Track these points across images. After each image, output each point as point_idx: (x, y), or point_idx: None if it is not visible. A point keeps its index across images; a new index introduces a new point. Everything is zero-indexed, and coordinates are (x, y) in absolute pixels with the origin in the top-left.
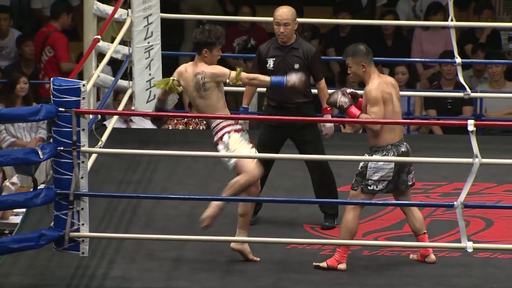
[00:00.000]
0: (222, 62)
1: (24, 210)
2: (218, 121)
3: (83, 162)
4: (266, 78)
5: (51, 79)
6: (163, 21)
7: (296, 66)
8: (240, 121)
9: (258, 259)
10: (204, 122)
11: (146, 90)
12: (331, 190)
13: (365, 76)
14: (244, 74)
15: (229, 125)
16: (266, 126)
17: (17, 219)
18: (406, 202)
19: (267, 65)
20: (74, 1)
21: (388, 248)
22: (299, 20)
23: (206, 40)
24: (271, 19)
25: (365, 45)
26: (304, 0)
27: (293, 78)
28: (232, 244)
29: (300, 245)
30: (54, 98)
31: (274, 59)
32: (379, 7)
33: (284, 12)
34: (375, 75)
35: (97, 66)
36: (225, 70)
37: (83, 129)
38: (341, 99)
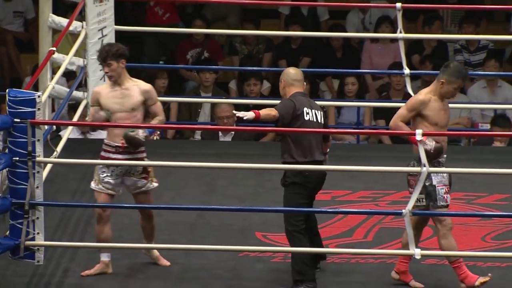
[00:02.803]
0: (176, 73)
1: None
2: None
3: (38, 172)
4: None
5: (7, 90)
6: (125, 33)
7: None
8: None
9: (169, 263)
10: (158, 132)
11: None
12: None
13: None
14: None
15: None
16: None
17: None
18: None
19: None
20: (29, 13)
21: (338, 255)
22: (256, 32)
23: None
24: (224, 31)
25: None
26: (261, 13)
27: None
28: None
29: (252, 252)
30: (9, 109)
31: None
32: (324, 22)
33: None
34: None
35: (52, 77)
36: None
37: (38, 140)
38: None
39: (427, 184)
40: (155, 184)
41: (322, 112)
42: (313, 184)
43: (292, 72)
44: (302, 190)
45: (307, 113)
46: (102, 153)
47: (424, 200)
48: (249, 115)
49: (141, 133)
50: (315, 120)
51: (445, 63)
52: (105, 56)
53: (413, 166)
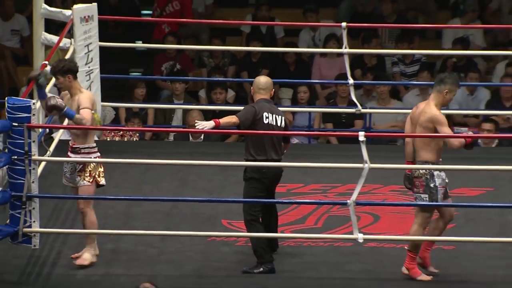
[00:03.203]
0: (153, 83)
1: None
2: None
3: (33, 169)
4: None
5: (6, 98)
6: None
7: None
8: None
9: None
10: (137, 134)
11: None
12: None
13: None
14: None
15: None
16: None
17: None
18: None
19: None
20: (25, 31)
21: (292, 240)
22: (222, 48)
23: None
24: (195, 47)
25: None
26: (226, 31)
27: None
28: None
29: (219, 237)
30: (8, 115)
31: None
32: (280, 38)
33: None
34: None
35: None
36: None
37: (34, 141)
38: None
39: (431, 185)
40: (86, 182)
41: (282, 117)
42: (269, 180)
43: (259, 82)
44: (260, 185)
45: (267, 117)
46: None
47: (427, 199)
48: (208, 125)
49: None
50: (274, 123)
51: (438, 76)
52: (53, 71)
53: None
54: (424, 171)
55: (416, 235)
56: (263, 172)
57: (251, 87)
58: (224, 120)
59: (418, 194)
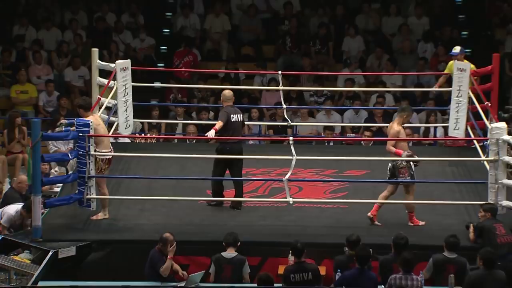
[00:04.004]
0: (164, 107)
1: (61, 185)
2: None
3: (91, 161)
4: None
5: (75, 119)
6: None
7: None
8: None
9: None
10: (155, 139)
11: (124, 123)
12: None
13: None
14: None
15: None
16: None
17: (58, 189)
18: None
19: None
20: (87, 76)
21: (250, 202)
22: (205, 86)
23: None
24: (189, 86)
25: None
26: (208, 76)
27: None
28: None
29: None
30: (76, 128)
31: None
32: (242, 80)
33: None
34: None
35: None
36: None
37: (92, 145)
38: None
39: (411, 172)
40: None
41: (241, 115)
42: (228, 153)
43: (226, 94)
44: (223, 153)
45: (233, 117)
46: None
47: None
48: (211, 133)
49: None
50: (237, 120)
51: (400, 106)
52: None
53: (400, 163)
54: (405, 163)
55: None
56: (227, 149)
57: (221, 98)
58: (217, 126)
59: (403, 178)
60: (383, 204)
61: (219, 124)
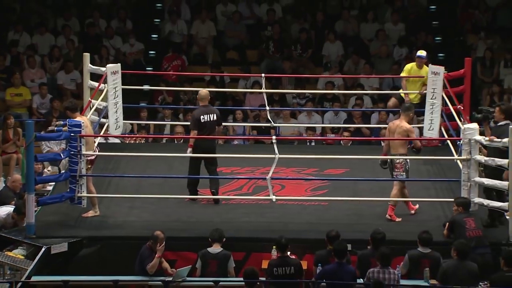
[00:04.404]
0: (152, 109)
1: (54, 183)
2: None
3: (82, 160)
4: None
5: (67, 120)
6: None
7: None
8: None
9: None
10: (144, 139)
11: (114, 124)
12: None
13: None
14: None
15: None
16: None
17: (50, 188)
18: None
19: None
20: (78, 80)
21: (234, 200)
22: (192, 89)
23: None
24: (176, 88)
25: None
26: (194, 79)
27: None
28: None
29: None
30: (69, 129)
31: None
32: (227, 83)
33: None
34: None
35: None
36: None
37: (83, 144)
38: None
39: (407, 167)
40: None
41: (214, 114)
42: (201, 151)
43: (200, 94)
44: (197, 151)
45: (203, 118)
46: None
47: (404, 176)
48: (188, 151)
49: None
50: (209, 119)
51: (404, 105)
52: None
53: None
54: (403, 159)
55: (395, 196)
56: (200, 146)
57: (197, 97)
58: (190, 141)
59: (398, 173)
60: (397, 203)
61: (192, 134)
